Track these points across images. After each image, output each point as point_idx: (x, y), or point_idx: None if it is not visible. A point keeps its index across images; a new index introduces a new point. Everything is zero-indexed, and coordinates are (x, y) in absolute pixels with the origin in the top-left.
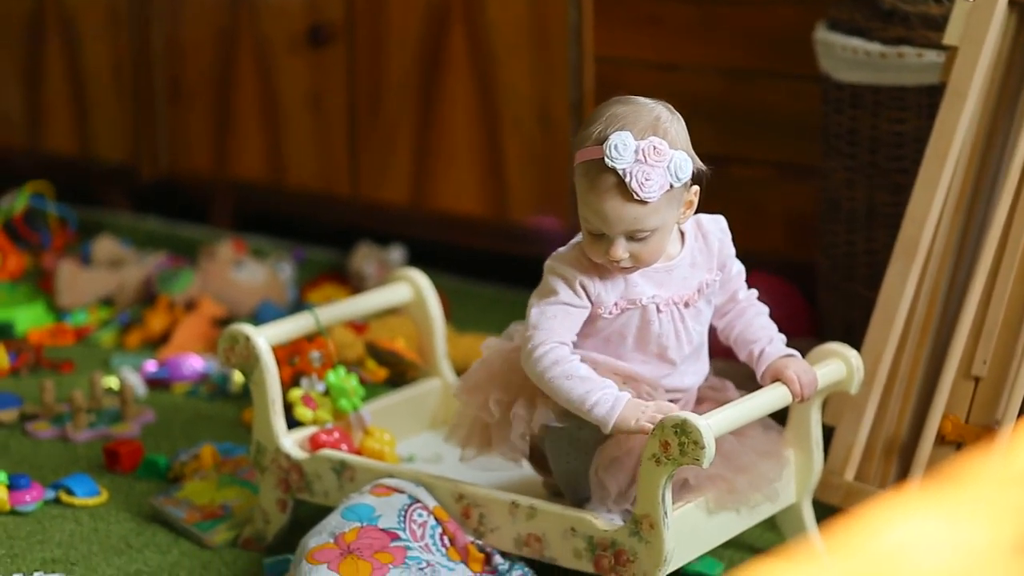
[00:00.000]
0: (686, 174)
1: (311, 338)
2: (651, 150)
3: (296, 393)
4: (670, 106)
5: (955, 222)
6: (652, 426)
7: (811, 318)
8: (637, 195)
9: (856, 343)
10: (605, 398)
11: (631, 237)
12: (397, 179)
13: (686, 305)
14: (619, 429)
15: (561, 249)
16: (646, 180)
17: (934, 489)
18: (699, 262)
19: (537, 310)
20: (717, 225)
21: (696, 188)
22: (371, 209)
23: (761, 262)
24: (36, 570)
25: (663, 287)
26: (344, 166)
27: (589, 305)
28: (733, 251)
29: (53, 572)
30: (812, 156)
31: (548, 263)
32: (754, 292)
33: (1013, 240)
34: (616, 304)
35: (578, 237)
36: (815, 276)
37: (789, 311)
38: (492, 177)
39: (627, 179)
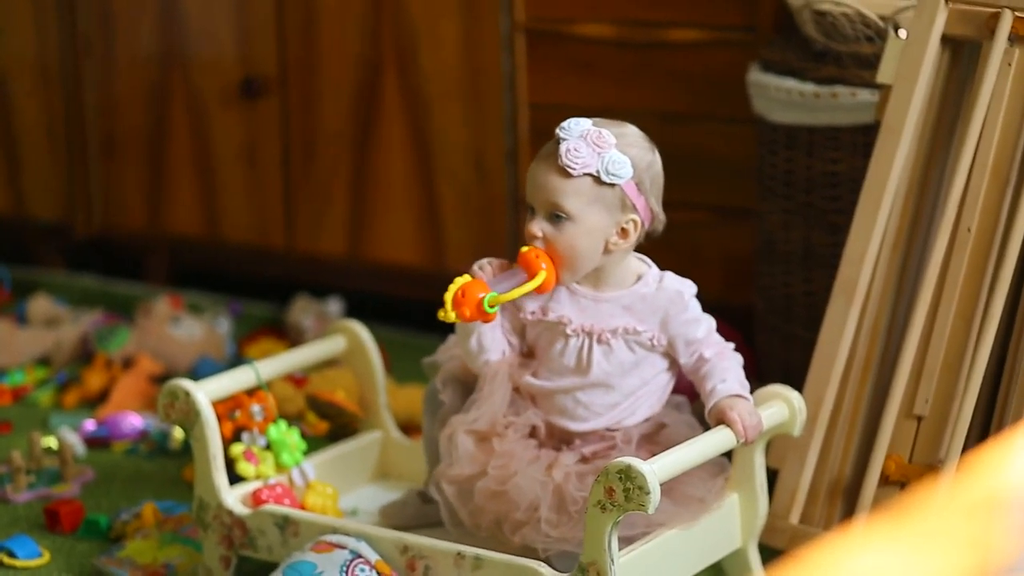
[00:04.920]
0: (618, 174)
1: (251, 392)
2: (596, 135)
3: (238, 448)
4: (655, 148)
5: (893, 261)
6: None
7: (750, 361)
8: (561, 160)
9: (796, 385)
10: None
11: (551, 216)
12: (333, 231)
13: (599, 340)
14: None
15: None
16: (575, 151)
17: (885, 524)
18: (636, 309)
19: None
20: (678, 287)
21: (635, 219)
22: (307, 261)
23: None
24: None
25: (583, 313)
26: (279, 219)
27: None
28: (691, 316)
29: None
30: (748, 198)
31: None
32: (729, 345)
33: (951, 278)
34: (533, 312)
35: None
36: (753, 318)
37: None
38: (428, 227)
39: (561, 148)
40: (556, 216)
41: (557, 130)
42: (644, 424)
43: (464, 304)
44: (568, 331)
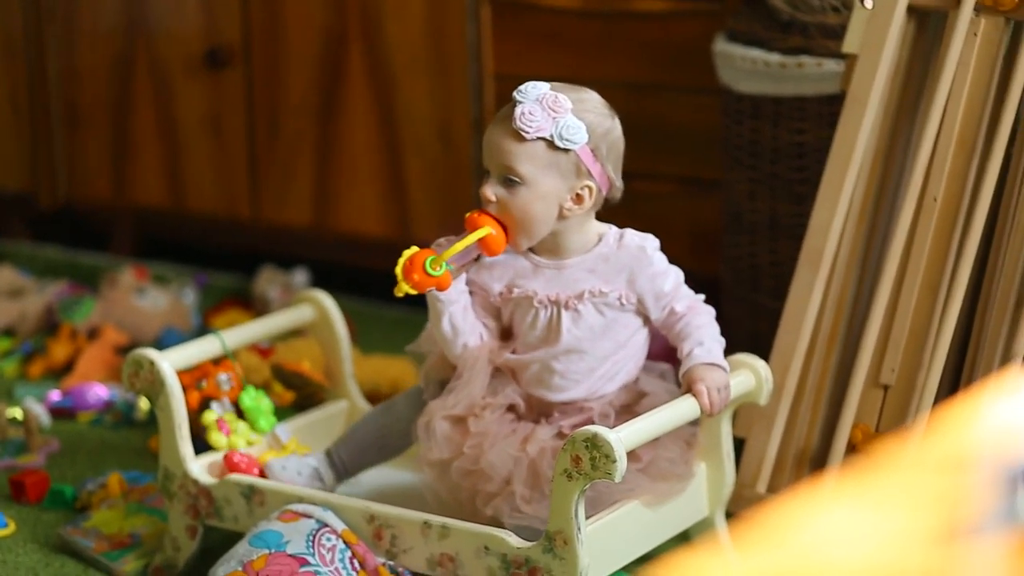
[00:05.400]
0: (572, 139)
1: (217, 362)
2: (552, 99)
3: (210, 417)
4: (617, 119)
5: (859, 230)
6: None
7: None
8: (515, 123)
9: (763, 355)
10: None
11: (504, 180)
12: (298, 201)
13: (566, 307)
14: None
15: None
16: (530, 115)
17: (854, 480)
18: (600, 271)
19: None
20: (639, 243)
21: (591, 185)
22: (273, 232)
23: None
24: None
25: (549, 284)
26: (244, 189)
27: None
28: (657, 270)
29: None
30: (714, 169)
31: None
32: (699, 297)
33: (918, 247)
34: (501, 293)
35: None
36: (720, 289)
37: None
38: (394, 197)
39: (516, 111)
40: (509, 180)
41: (514, 93)
42: (623, 393)
43: (413, 270)
44: (535, 303)
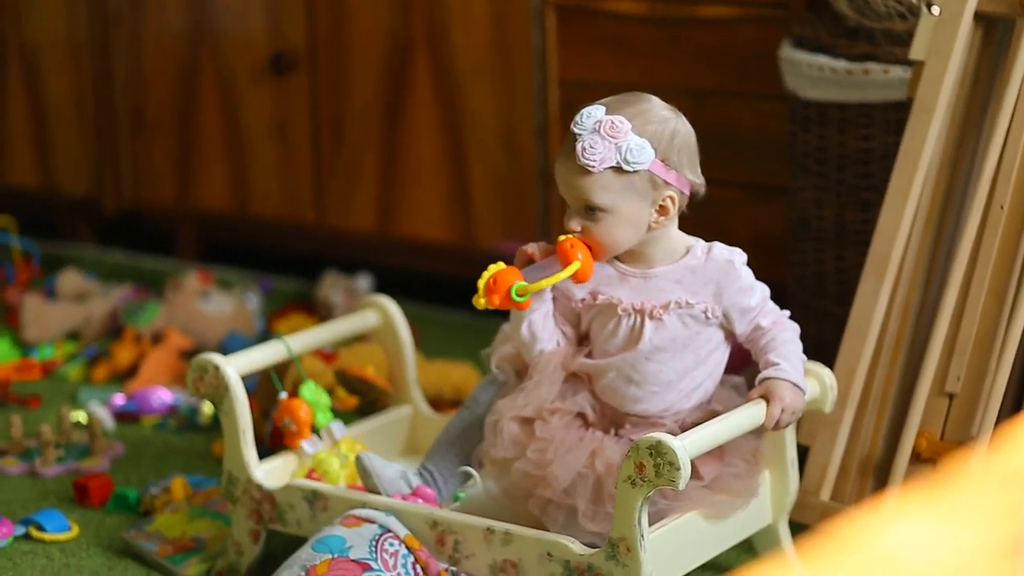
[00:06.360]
0: (639, 160)
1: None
2: (609, 125)
3: (301, 472)
4: (682, 116)
5: (925, 237)
6: None
7: None
8: (579, 160)
9: (828, 361)
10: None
11: (587, 211)
12: (362, 206)
13: (651, 316)
14: None
15: None
16: (591, 148)
17: (916, 497)
18: (687, 282)
19: None
20: (728, 256)
21: (671, 194)
22: (337, 237)
23: None
24: None
25: (635, 292)
26: (309, 194)
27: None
28: (744, 284)
29: None
30: (780, 175)
31: None
32: (784, 313)
33: (984, 254)
34: (583, 299)
35: None
36: (785, 295)
37: None
38: (458, 203)
39: (577, 147)
40: (590, 210)
41: (572, 126)
42: (696, 411)
43: (495, 292)
44: (619, 311)
